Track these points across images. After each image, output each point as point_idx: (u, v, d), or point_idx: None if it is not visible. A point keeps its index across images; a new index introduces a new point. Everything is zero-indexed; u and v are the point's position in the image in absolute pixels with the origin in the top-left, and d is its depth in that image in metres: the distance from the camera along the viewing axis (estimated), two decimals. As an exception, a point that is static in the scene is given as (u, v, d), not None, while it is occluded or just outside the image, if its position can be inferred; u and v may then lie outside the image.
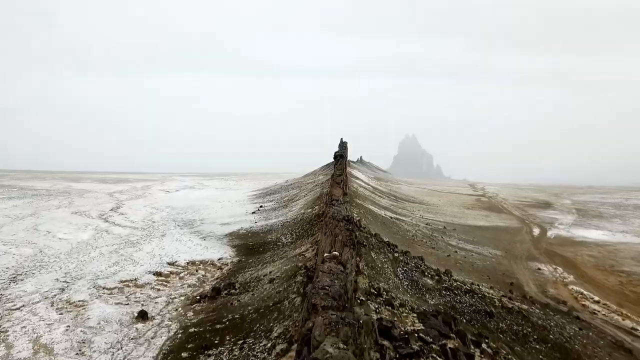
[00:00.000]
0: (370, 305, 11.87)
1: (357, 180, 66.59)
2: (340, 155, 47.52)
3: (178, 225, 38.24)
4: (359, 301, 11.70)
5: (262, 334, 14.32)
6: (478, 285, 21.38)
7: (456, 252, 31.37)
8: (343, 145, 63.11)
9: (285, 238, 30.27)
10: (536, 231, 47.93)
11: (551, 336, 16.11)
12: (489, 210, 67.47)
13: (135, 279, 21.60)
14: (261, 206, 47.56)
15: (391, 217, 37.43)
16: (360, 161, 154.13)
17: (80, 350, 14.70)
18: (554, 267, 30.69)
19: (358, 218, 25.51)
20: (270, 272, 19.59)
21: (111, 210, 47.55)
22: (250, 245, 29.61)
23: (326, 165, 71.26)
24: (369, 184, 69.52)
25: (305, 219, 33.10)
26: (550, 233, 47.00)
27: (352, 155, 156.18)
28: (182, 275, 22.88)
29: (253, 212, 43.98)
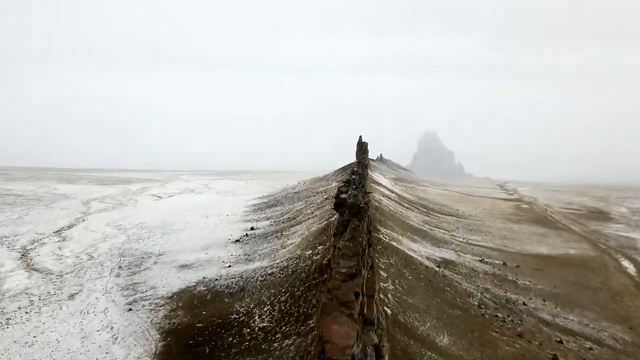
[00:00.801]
0: None
1: (379, 187, 52.52)
2: (359, 176, 23.27)
3: (117, 268, 24.84)
4: None
5: None
6: None
7: (560, 341, 17.36)
8: (361, 147, 48.36)
9: (259, 316, 16.67)
10: (630, 267, 33.30)
11: None
12: (539, 224, 52.64)
13: None
14: (252, 228, 34.08)
15: (437, 267, 23.18)
16: (380, 159, 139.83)
17: None
18: None
19: (390, 304, 12.04)
20: None
21: (55, 232, 34.48)
22: (194, 334, 16.10)
23: (341, 168, 57.48)
24: (393, 191, 55.40)
25: (299, 274, 19.51)
26: (654, 271, 32.29)
27: (371, 154, 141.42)
28: None
29: (237, 240, 30.49)
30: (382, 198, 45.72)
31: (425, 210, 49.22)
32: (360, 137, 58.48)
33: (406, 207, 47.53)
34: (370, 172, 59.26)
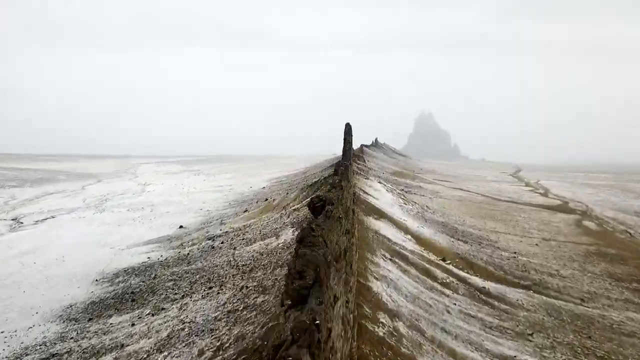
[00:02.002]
0: None
1: (383, 223, 24.54)
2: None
3: None
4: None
5: None
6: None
7: None
8: (347, 142, 21.50)
9: None
10: None
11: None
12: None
13: None
14: None
15: None
16: (375, 144, 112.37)
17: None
18: None
19: None
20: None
21: None
22: None
23: (309, 186, 29.76)
24: (407, 229, 27.25)
25: None
26: None
27: (366, 139, 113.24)
28: None
29: None
30: (398, 276, 18.09)
31: (483, 292, 21.12)
32: (348, 125, 30.53)
33: (442, 292, 19.82)
34: (364, 182, 31.44)
